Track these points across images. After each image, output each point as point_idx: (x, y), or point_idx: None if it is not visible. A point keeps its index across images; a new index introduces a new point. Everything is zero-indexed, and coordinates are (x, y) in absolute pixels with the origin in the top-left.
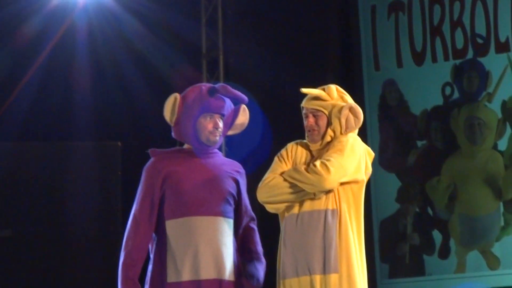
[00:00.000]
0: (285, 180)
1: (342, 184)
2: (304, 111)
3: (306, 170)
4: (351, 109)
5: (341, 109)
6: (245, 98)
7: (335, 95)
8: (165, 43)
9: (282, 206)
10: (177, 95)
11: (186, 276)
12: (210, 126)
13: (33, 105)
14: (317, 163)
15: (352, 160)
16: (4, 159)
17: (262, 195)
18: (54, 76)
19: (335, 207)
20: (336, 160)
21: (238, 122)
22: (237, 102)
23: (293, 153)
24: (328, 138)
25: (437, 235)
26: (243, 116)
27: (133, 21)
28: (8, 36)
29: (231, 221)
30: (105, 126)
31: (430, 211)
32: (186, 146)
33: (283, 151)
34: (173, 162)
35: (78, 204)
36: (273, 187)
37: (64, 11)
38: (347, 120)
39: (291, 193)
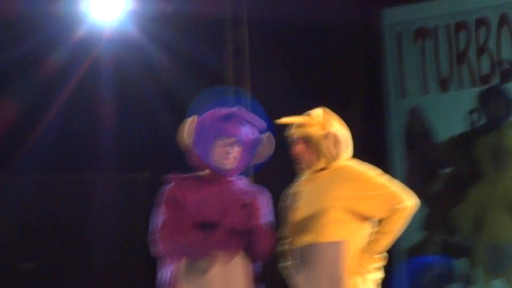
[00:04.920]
0: None
1: None
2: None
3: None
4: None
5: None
6: (262, 123)
7: (320, 119)
8: (191, 74)
9: None
10: (195, 116)
11: None
12: (222, 152)
13: (58, 137)
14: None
15: None
16: (29, 191)
17: None
18: (79, 107)
19: None
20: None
21: (261, 151)
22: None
23: None
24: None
25: (463, 263)
26: (268, 145)
27: (158, 52)
28: (34, 67)
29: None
30: (130, 157)
31: (455, 239)
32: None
33: None
34: (190, 188)
35: (103, 236)
36: None
37: (90, 43)
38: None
39: None
